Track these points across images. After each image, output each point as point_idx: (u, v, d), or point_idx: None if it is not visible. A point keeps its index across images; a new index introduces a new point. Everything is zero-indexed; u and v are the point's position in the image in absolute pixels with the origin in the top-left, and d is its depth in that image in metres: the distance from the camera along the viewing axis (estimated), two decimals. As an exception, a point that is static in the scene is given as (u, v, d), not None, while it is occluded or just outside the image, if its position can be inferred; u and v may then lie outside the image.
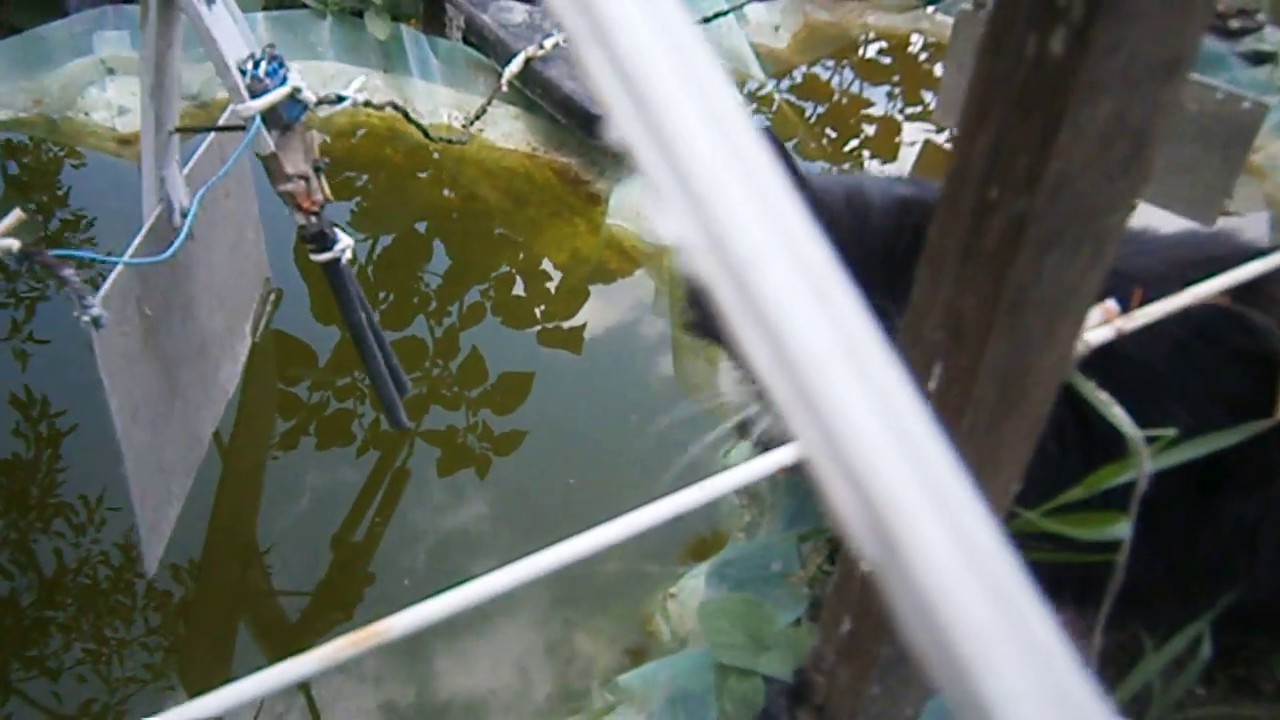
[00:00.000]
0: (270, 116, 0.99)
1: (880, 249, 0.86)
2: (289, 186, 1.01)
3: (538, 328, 1.61)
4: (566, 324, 1.58)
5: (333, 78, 1.76)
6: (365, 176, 1.78)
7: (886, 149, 2.58)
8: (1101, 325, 0.84)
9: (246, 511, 1.29)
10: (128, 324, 0.92)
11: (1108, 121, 0.50)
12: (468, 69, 1.84)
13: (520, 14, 1.82)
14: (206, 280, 1.13)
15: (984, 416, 0.62)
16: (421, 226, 1.75)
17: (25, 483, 1.25)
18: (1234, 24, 2.51)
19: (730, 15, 2.34)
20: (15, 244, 0.81)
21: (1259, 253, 0.97)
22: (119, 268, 0.89)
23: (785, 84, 2.68)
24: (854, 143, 2.62)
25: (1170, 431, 0.85)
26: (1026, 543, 0.87)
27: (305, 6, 1.82)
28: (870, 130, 2.65)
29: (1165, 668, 1.03)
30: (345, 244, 1.05)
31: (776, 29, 2.66)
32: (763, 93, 2.54)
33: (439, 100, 1.80)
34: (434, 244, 1.74)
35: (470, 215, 1.72)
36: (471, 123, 1.58)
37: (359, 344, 1.14)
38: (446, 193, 1.71)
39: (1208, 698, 1.15)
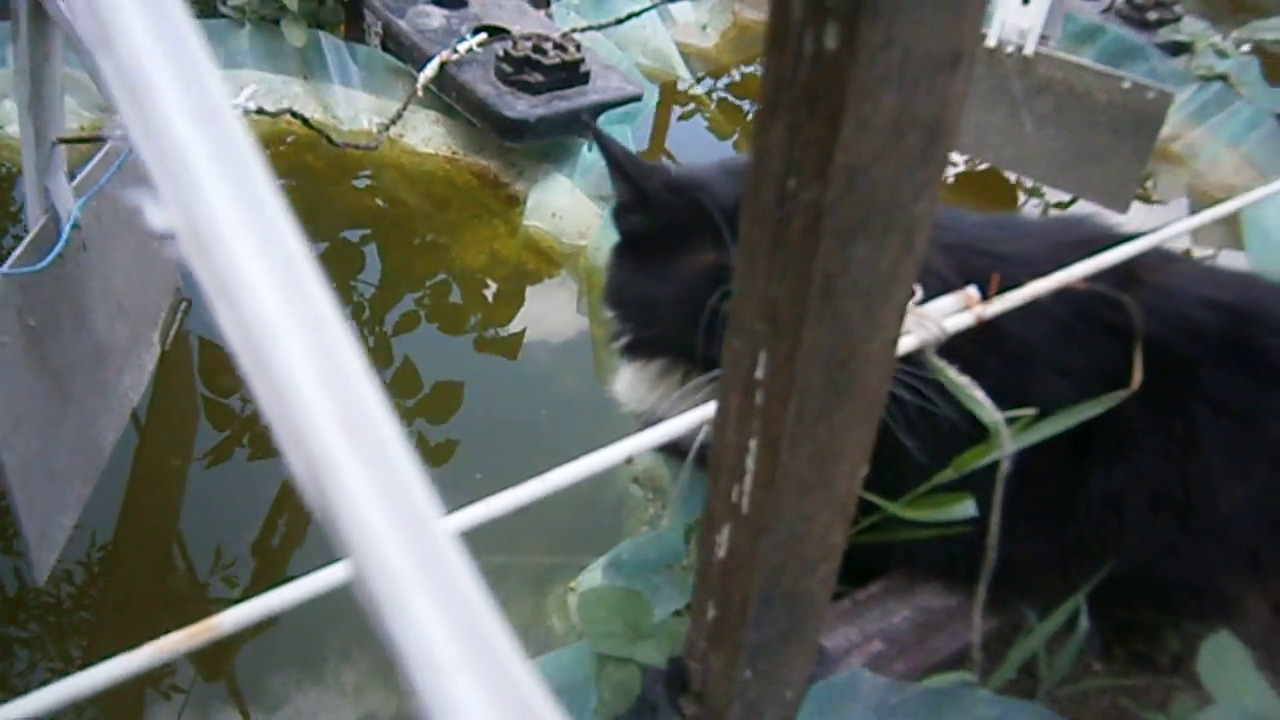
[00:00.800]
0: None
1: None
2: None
3: (473, 335, 1.61)
4: (504, 331, 1.60)
5: (250, 85, 1.76)
6: (290, 182, 1.78)
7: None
8: (962, 312, 0.86)
9: (159, 519, 1.29)
10: (7, 334, 0.92)
11: (894, 113, 0.52)
12: (387, 74, 1.84)
13: (438, 19, 1.82)
14: (102, 290, 1.13)
15: (813, 403, 0.64)
16: (349, 234, 1.75)
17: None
18: (1151, 15, 2.56)
19: (655, 14, 2.36)
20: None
21: (1126, 237, 1.00)
22: (-4, 278, 0.89)
23: (723, 83, 2.71)
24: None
25: (1030, 411, 0.88)
26: (898, 525, 0.89)
27: (223, 16, 1.82)
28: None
29: (1050, 642, 1.06)
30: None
31: (704, 28, 2.67)
32: (692, 92, 2.55)
33: (359, 106, 1.80)
34: (361, 251, 1.74)
35: (393, 220, 1.73)
36: (386, 128, 1.59)
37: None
38: (373, 200, 1.72)
39: (1105, 672, 1.18)
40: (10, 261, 0.93)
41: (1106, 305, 0.97)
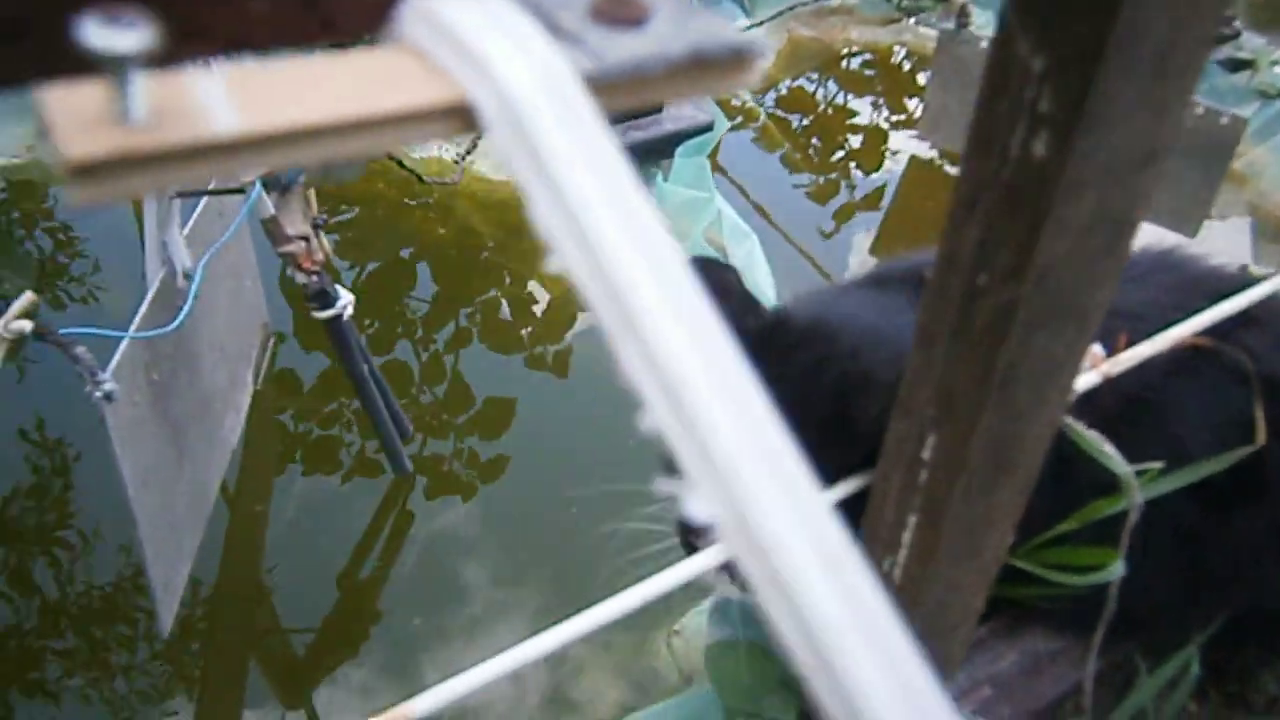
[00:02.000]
0: (269, 180, 1.01)
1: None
2: (289, 248, 1.03)
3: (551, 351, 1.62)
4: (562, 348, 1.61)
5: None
6: (356, 210, 1.79)
7: (871, 159, 2.61)
8: (1089, 372, 0.86)
9: (253, 555, 1.31)
10: (138, 393, 0.93)
11: (1090, 214, 0.53)
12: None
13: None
14: (210, 337, 1.14)
15: (978, 481, 0.64)
16: (422, 266, 1.76)
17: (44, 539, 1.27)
18: (1210, 30, 2.51)
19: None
20: (28, 325, 0.83)
21: (1241, 279, 1.00)
22: (126, 340, 0.91)
23: (770, 97, 2.70)
24: (839, 154, 2.64)
25: (1158, 465, 0.88)
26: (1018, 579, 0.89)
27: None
28: (855, 140, 2.68)
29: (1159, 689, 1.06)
30: (346, 300, 1.06)
31: None
32: (747, 107, 2.55)
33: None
34: (428, 279, 1.75)
35: (466, 248, 1.74)
36: (463, 159, 1.60)
37: (361, 394, 1.16)
38: (447, 228, 1.73)
39: (1199, 714, 1.18)
40: (137, 321, 0.94)
41: (1230, 350, 0.97)
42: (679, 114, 1.74)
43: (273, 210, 1.00)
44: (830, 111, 2.81)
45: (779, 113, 2.71)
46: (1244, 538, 0.96)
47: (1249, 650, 1.19)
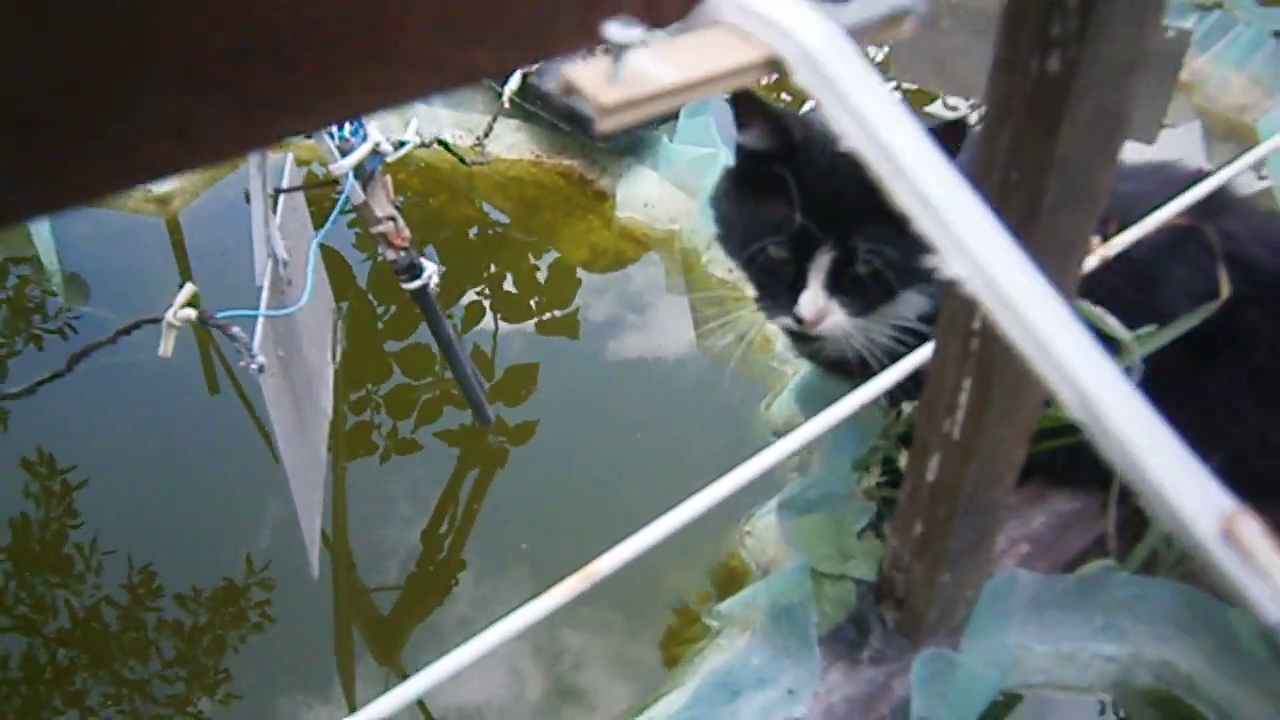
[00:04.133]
0: (357, 171, 1.14)
1: None
2: (381, 228, 1.16)
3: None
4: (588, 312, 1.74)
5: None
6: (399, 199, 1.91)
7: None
8: (1089, 257, 1.02)
9: (348, 517, 1.44)
10: (275, 366, 1.07)
11: (1093, 112, 0.68)
12: (465, 90, 1.97)
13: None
14: (303, 319, 1.28)
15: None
16: (463, 240, 1.88)
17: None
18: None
19: None
20: (193, 313, 0.96)
21: (1203, 175, 1.15)
22: (261, 319, 1.04)
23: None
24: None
25: (1153, 328, 1.03)
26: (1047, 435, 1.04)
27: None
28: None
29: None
30: (431, 270, 1.20)
31: None
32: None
33: (441, 121, 1.93)
34: (476, 254, 1.85)
35: (492, 224, 1.87)
36: (482, 140, 1.73)
37: (449, 355, 1.29)
38: (472, 209, 1.85)
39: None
40: (263, 304, 1.07)
41: (1201, 232, 1.13)
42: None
43: (364, 197, 1.13)
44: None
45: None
46: (1224, 387, 1.12)
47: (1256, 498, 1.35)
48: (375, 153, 1.13)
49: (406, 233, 1.17)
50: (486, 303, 1.76)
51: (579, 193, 1.89)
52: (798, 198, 0.98)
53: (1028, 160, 0.69)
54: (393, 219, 1.16)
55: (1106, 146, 0.72)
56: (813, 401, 1.39)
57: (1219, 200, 1.20)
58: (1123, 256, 1.00)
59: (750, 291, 1.10)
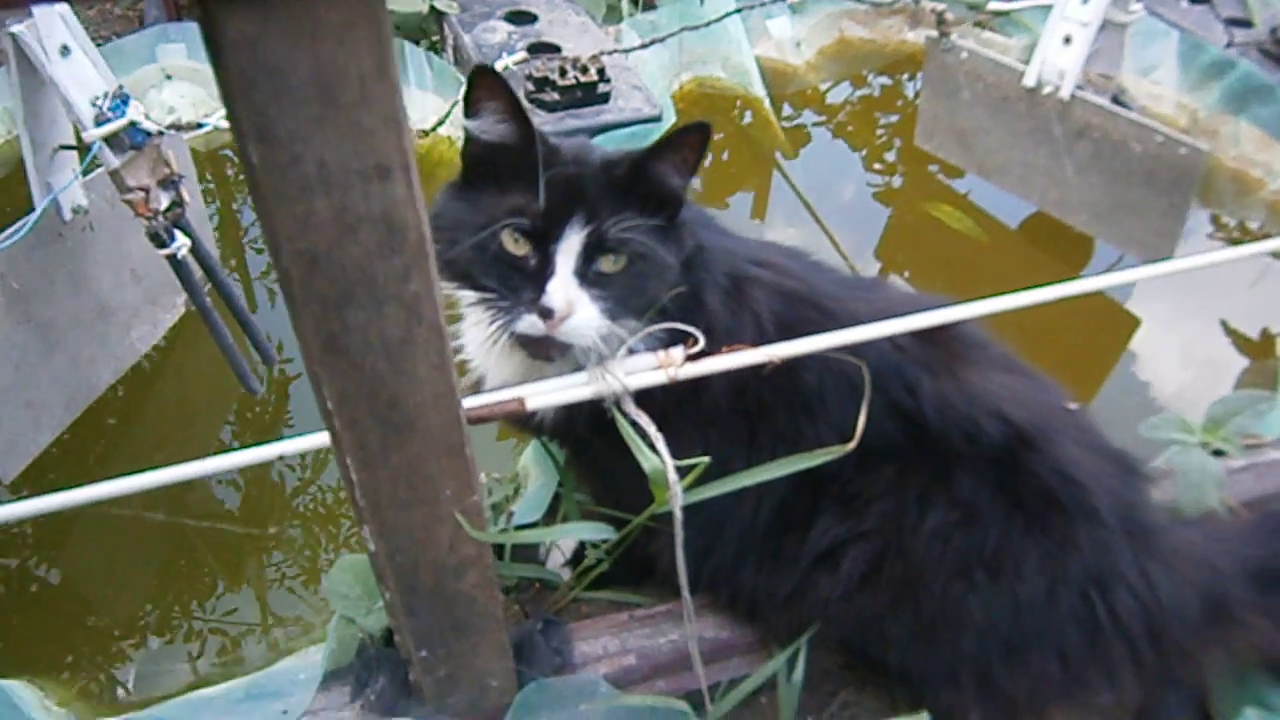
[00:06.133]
0: (115, 141, 1.26)
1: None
2: (129, 196, 1.28)
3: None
4: None
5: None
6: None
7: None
8: (657, 369, 0.94)
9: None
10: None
11: (334, 213, 0.65)
12: (454, 82, 2.06)
13: (501, 34, 2.00)
14: (110, 261, 1.43)
15: (374, 436, 0.77)
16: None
17: None
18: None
19: (740, 28, 2.39)
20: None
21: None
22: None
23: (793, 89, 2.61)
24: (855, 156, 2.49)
25: (704, 460, 0.93)
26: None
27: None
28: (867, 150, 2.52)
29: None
30: (182, 243, 1.31)
31: (798, 45, 2.64)
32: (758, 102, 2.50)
33: (429, 107, 2.04)
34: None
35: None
36: (435, 127, 1.82)
37: (208, 323, 1.41)
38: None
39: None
40: (-1, 240, 1.22)
41: (902, 385, 1.00)
42: (625, 105, 1.84)
43: (115, 165, 1.26)
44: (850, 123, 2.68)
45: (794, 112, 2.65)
46: (827, 548, 0.99)
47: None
48: (136, 128, 1.25)
49: (159, 205, 1.28)
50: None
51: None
52: (542, 182, 0.88)
53: (274, 248, 0.67)
54: (145, 190, 1.27)
55: (390, 252, 0.69)
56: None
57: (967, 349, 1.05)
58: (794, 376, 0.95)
59: (475, 301, 0.95)
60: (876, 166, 2.50)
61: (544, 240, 0.89)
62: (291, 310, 0.71)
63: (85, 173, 1.26)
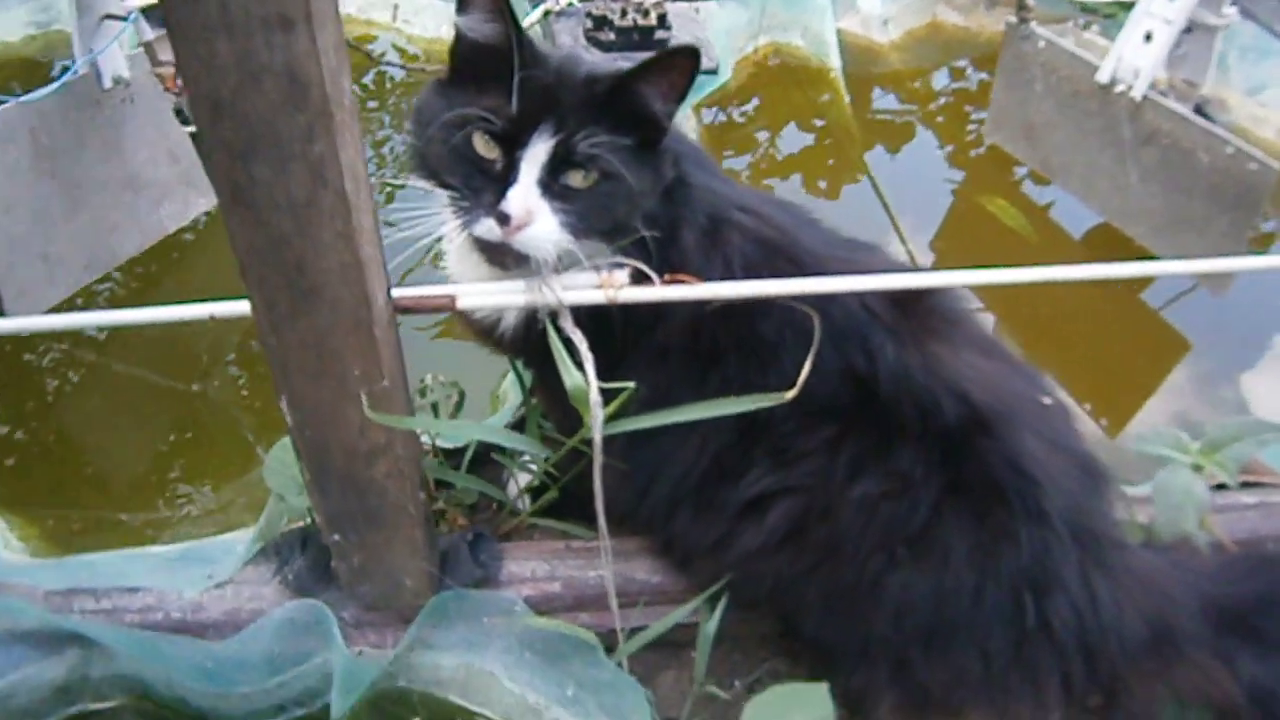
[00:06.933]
0: (152, 13, 1.31)
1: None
2: (159, 70, 1.33)
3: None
4: None
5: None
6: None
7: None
8: (598, 288, 0.92)
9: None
10: (15, 146, 1.29)
11: (237, 58, 0.65)
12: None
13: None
14: (146, 134, 1.48)
15: (282, 299, 0.78)
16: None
17: None
18: None
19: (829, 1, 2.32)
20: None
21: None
22: (12, 103, 1.25)
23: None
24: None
25: (629, 385, 0.90)
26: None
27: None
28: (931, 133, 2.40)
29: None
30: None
31: (886, 23, 2.56)
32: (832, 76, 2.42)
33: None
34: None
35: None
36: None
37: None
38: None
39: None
40: (29, 97, 1.27)
41: (861, 348, 0.96)
42: (678, 54, 1.81)
43: (150, 35, 1.30)
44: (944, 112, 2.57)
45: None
46: (755, 497, 0.96)
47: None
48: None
49: (184, 81, 1.32)
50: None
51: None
52: (516, 86, 0.87)
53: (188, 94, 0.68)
54: (175, 65, 1.31)
55: (294, 109, 0.69)
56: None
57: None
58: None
59: (446, 203, 0.93)
60: (953, 160, 2.41)
61: (512, 145, 0.88)
62: (201, 158, 0.72)
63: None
